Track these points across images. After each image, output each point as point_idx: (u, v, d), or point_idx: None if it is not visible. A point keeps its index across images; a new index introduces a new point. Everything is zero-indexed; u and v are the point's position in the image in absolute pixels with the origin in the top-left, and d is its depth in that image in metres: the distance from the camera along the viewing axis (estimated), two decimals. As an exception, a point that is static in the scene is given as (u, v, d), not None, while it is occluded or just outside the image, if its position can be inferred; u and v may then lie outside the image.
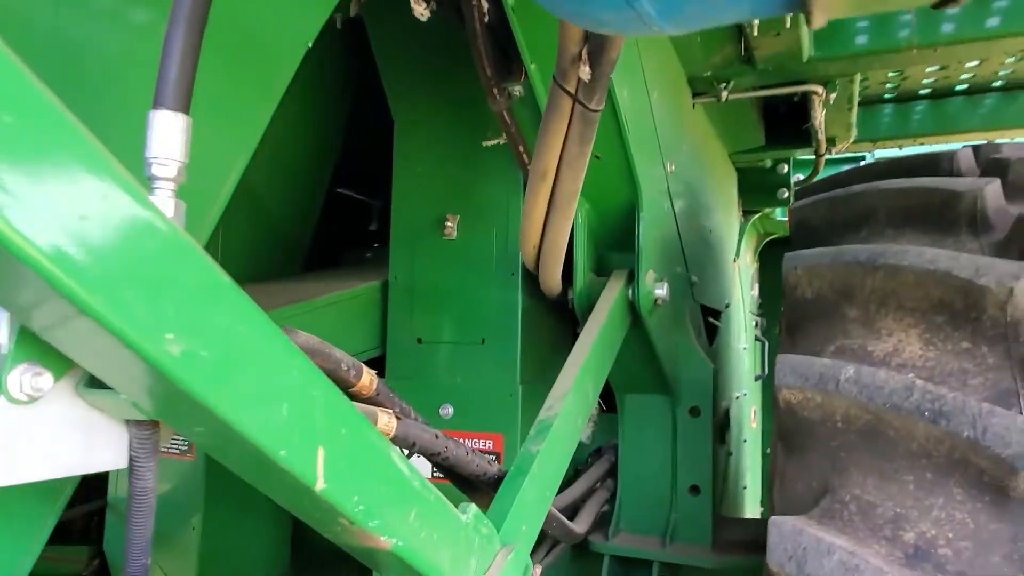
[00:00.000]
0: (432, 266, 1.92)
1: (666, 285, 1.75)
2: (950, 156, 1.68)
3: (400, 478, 0.82)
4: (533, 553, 1.84)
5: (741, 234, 3.41)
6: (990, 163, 1.59)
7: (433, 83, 1.96)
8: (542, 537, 1.76)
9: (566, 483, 2.01)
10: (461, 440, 1.80)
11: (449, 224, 1.89)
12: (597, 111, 1.22)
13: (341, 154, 2.63)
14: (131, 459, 0.71)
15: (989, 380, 1.16)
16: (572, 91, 1.19)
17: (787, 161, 3.22)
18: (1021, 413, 1.09)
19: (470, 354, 1.86)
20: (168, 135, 0.73)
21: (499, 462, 1.81)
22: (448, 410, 1.85)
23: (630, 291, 1.72)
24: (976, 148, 1.71)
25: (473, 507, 0.99)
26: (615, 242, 1.81)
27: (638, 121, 1.67)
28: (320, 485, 0.70)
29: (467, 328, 1.87)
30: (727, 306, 2.81)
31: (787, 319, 1.58)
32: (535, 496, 1.22)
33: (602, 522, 2.09)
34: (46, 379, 0.63)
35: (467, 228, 1.90)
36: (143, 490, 0.72)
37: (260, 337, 0.63)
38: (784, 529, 1.12)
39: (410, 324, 1.93)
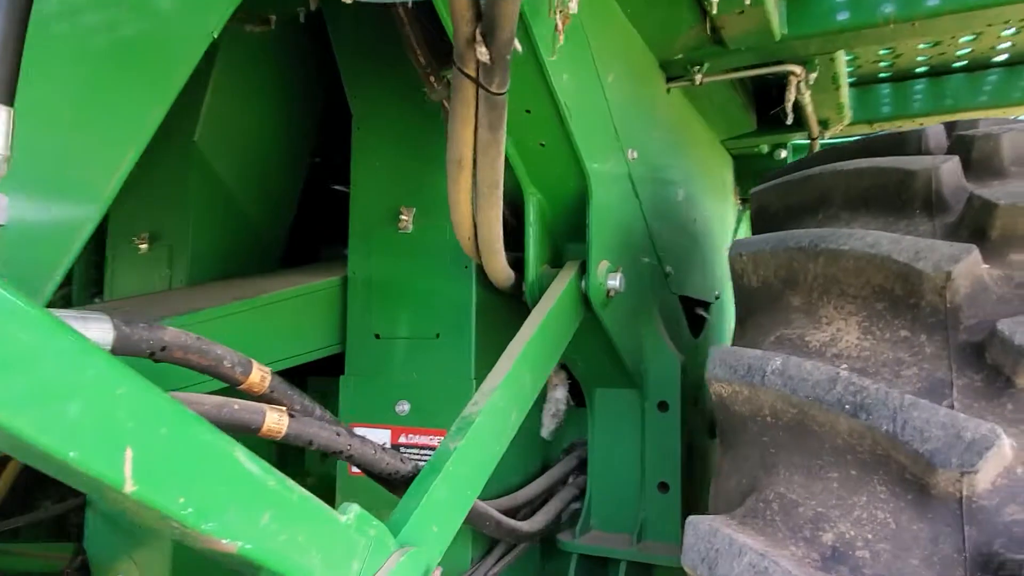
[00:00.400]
0: (388, 260, 1.89)
1: (620, 276, 1.68)
2: (919, 134, 1.58)
3: (247, 478, 0.79)
4: (489, 554, 1.81)
5: (738, 222, 3.31)
6: (956, 140, 1.49)
7: (389, 75, 1.93)
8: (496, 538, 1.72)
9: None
10: (410, 434, 1.76)
11: (404, 217, 1.86)
12: (501, 94, 1.17)
13: (320, 149, 2.62)
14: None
15: (924, 371, 1.08)
16: (472, 74, 1.14)
17: (784, 146, 3.11)
18: (953, 406, 1.01)
19: (425, 349, 1.82)
20: (-16, 127, 0.70)
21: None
22: (404, 407, 1.81)
23: (583, 282, 1.67)
24: (949, 125, 1.61)
25: (355, 507, 0.96)
26: (571, 232, 1.75)
27: (585, 107, 1.61)
28: (130, 487, 0.67)
29: (422, 322, 1.83)
30: (717, 297, 2.73)
31: (737, 309, 1.51)
32: (448, 496, 1.18)
33: (573, 520, 2.04)
34: None
35: (422, 221, 1.87)
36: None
37: (39, 334, 0.61)
38: (699, 529, 1.07)
39: (368, 319, 1.90)
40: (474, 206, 1.39)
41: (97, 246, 2.36)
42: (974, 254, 1.11)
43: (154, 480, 0.69)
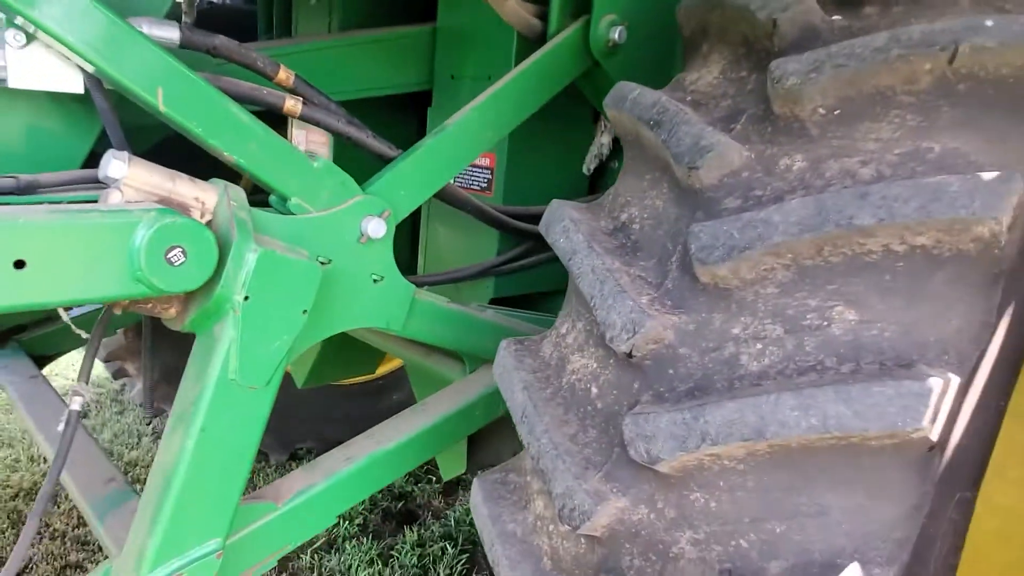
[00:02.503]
0: (462, 11, 2.30)
1: (622, 30, 1.95)
2: None
3: (239, 121, 1.40)
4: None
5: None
6: None
7: None
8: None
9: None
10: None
11: (472, -26, 2.23)
12: None
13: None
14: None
15: (734, 103, 1.35)
16: None
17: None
18: (734, 130, 1.29)
19: (480, 88, 2.28)
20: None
21: (491, 178, 2.29)
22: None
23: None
24: None
25: (323, 159, 1.54)
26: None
27: None
28: (162, 108, 1.30)
29: (480, 66, 2.27)
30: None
31: (683, 62, 1.75)
32: (419, 169, 1.71)
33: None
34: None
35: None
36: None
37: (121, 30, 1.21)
38: (553, 207, 1.51)
39: (446, 62, 2.38)
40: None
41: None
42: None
43: (177, 107, 1.31)
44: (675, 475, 1.14)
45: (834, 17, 1.33)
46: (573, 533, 1.26)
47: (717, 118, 1.33)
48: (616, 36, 1.95)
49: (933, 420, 1.00)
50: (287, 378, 3.05)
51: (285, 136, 1.52)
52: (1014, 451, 1.21)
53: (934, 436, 1.02)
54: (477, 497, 1.51)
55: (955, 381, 1.03)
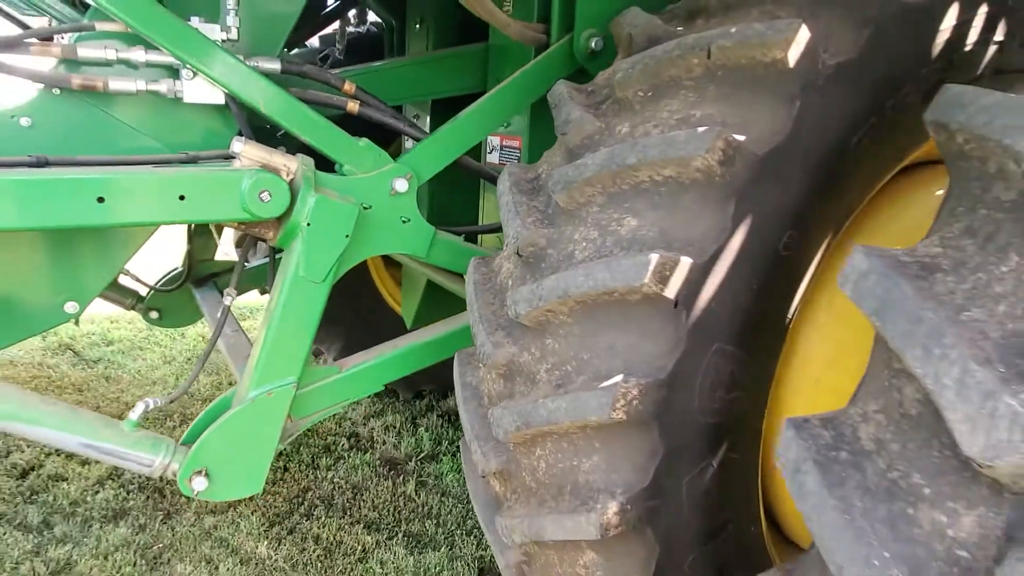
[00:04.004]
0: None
1: (600, 39, 2.59)
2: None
3: (311, 117, 2.26)
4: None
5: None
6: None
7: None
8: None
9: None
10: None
11: None
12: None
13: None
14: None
15: (611, 89, 1.98)
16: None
17: None
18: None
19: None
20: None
21: (519, 156, 3.01)
22: (503, 123, 3.07)
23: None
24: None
25: (366, 140, 2.36)
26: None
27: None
28: (264, 111, 2.19)
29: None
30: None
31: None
32: (437, 146, 2.48)
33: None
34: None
35: None
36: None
37: None
38: (505, 170, 2.21)
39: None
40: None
41: None
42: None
43: (272, 111, 2.20)
44: (534, 326, 1.82)
45: (677, 28, 1.92)
46: (494, 375, 1.98)
47: (594, 102, 1.98)
48: (594, 45, 2.60)
49: (661, 283, 1.60)
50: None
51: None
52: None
53: (670, 295, 1.62)
54: (455, 367, 2.26)
55: (687, 261, 1.62)
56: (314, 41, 4.86)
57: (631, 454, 1.67)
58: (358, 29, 4.85)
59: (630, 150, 1.68)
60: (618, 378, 1.65)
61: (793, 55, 1.59)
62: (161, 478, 2.27)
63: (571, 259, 1.79)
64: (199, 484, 2.20)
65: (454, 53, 3.16)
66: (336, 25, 4.45)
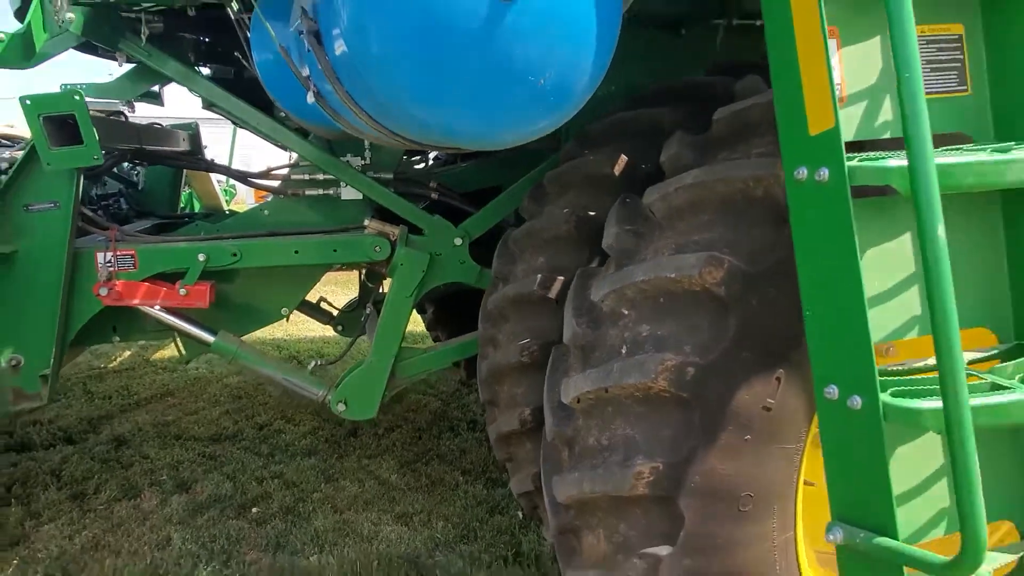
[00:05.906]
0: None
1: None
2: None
3: (402, 203, 4.03)
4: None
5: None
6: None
7: None
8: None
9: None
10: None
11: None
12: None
13: None
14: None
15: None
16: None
17: None
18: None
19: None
20: None
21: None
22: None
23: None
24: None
25: (438, 216, 4.08)
26: None
27: None
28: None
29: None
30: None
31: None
32: (484, 216, 4.14)
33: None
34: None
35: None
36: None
37: None
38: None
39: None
40: None
41: None
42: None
43: (374, 196, 4.00)
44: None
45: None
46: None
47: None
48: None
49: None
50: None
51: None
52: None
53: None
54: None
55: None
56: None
57: None
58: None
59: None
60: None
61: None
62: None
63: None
64: (340, 407, 3.98)
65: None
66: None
